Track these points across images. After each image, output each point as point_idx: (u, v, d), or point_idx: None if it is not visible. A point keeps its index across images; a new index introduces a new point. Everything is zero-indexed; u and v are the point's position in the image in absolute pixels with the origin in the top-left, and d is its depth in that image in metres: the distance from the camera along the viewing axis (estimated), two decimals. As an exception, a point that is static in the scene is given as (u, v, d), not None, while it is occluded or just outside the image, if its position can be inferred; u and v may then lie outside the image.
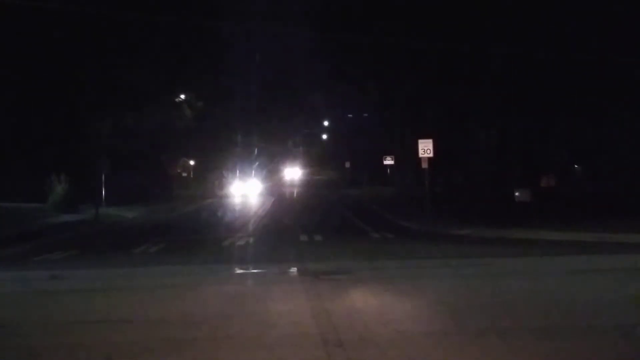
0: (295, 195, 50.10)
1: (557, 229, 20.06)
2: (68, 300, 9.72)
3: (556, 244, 17.18)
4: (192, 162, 56.92)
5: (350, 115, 59.34)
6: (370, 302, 8.61)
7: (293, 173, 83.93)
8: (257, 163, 65.57)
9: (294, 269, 12.17)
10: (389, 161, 47.28)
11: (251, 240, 20.51)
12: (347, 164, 68.68)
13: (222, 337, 7.00)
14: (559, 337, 6.68)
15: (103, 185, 33.93)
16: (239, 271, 13.14)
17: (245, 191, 48.94)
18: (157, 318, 8.00)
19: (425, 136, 25.98)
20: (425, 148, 25.48)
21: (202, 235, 22.50)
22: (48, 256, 17.86)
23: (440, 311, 7.94)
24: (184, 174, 56.49)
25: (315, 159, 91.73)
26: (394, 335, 6.76)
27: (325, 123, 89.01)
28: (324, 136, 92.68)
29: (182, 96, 50.75)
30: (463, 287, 9.83)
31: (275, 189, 55.76)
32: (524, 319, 7.50)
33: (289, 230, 23.31)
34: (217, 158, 57.60)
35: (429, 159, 25.40)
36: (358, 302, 8.65)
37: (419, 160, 25.68)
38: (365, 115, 56.78)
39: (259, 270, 12.85)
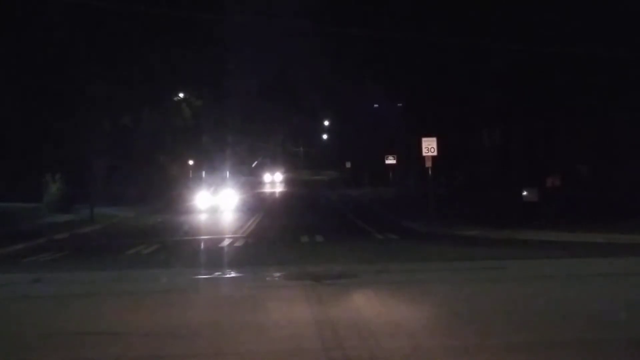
0: (289, 207, 39.44)
1: (567, 230, 19.30)
2: (48, 307, 8.92)
3: (570, 246, 16.39)
4: (191, 162, 56.08)
5: (376, 105, 54.23)
6: (378, 311, 7.77)
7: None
8: (242, 165, 59.25)
9: (294, 273, 11.37)
10: (391, 160, 46.40)
11: (250, 241, 19.78)
12: (348, 164, 67.97)
13: (214, 353, 6.21)
14: (600, 353, 5.86)
15: (99, 185, 33.25)
16: (234, 275, 12.33)
17: (217, 204, 35.75)
18: (143, 329, 7.19)
19: (428, 135, 25.34)
20: (429, 146, 24.85)
21: (198, 237, 21.76)
22: (37, 257, 17.22)
23: (457, 321, 7.14)
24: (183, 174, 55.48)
25: (315, 159, 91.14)
26: (408, 351, 5.96)
27: (326, 123, 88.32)
28: (324, 136, 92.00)
29: (181, 95, 49.97)
30: (478, 293, 9.04)
31: (262, 200, 45.24)
32: (555, 331, 6.66)
33: (289, 231, 22.52)
34: (209, 159, 56.01)
35: (433, 157, 24.73)
36: (365, 311, 7.81)
37: (422, 159, 25.02)
38: (375, 105, 54.89)
39: (256, 274, 11.94)
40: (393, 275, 11.23)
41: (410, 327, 6.91)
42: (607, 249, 15.16)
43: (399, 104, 46.92)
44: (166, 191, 45.01)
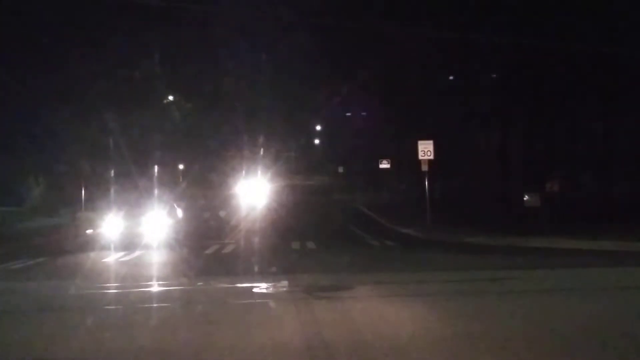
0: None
1: (573, 236, 18.39)
2: (2, 325, 7.78)
3: (579, 253, 15.43)
4: (181, 167, 54.79)
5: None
6: (382, 333, 6.64)
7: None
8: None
9: (283, 284, 10.28)
10: (385, 165, 45.32)
11: (237, 248, 18.73)
12: (340, 169, 66.99)
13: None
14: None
15: (84, 189, 32.14)
16: (217, 286, 11.05)
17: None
18: (100, 355, 6.08)
19: (425, 138, 24.53)
20: (426, 150, 24.03)
21: (183, 242, 20.70)
22: (11, 264, 16.22)
23: (474, 345, 6.02)
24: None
25: (307, 164, 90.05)
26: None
27: (318, 127, 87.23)
28: (316, 141, 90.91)
29: (171, 97, 48.95)
30: (492, 308, 7.94)
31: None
32: (594, 357, 5.62)
33: (279, 238, 21.43)
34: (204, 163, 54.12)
35: (429, 161, 23.87)
36: (366, 332, 6.66)
37: (417, 163, 24.16)
38: (363, 114, 53.90)
39: (241, 285, 10.77)
40: (393, 287, 10.13)
41: (420, 353, 5.83)
42: (618, 258, 14.20)
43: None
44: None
